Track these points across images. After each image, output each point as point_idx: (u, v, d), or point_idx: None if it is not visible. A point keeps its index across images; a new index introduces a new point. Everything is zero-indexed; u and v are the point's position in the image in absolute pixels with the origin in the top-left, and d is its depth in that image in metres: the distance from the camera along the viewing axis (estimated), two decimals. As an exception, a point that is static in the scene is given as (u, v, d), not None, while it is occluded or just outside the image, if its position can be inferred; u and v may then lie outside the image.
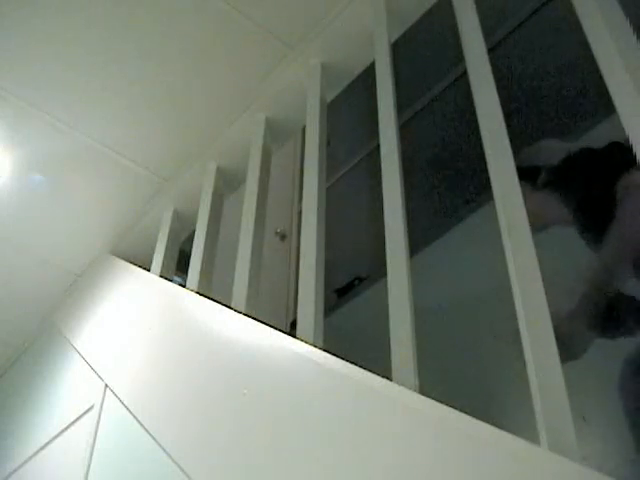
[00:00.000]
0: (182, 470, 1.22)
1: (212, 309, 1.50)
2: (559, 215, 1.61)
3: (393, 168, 1.23)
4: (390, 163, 1.25)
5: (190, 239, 1.91)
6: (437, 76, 2.35)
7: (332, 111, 1.73)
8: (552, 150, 1.70)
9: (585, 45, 1.07)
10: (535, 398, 0.83)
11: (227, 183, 2.03)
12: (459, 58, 1.35)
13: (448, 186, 2.15)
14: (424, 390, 0.94)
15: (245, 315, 1.40)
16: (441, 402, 0.86)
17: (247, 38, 1.75)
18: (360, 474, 0.89)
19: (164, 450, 1.32)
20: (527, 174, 1.30)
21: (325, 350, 1.12)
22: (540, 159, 1.68)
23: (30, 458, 2.12)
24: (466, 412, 0.82)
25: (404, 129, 1.45)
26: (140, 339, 1.75)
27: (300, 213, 2.06)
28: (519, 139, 1.33)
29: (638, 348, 1.34)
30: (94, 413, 1.76)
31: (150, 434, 1.41)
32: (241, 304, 1.45)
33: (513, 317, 0.93)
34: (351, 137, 2.62)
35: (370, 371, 0.98)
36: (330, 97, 1.79)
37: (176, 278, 2.09)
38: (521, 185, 1.01)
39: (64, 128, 1.98)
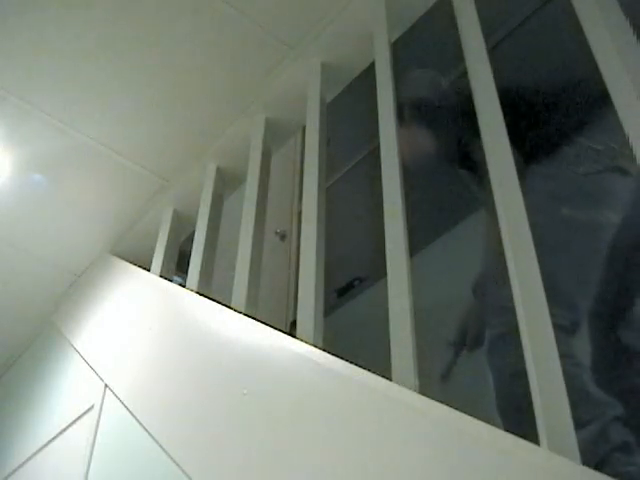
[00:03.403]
0: (182, 470, 1.22)
1: (212, 309, 1.50)
2: (427, 148, 1.64)
3: (393, 168, 1.24)
4: (390, 163, 1.25)
5: (190, 239, 1.91)
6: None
7: (332, 111, 1.73)
8: (423, 81, 1.70)
9: (585, 45, 1.07)
10: (535, 398, 0.83)
11: (227, 183, 2.03)
12: (459, 58, 1.35)
13: (448, 186, 2.14)
14: (424, 390, 0.94)
15: (245, 315, 1.40)
16: (441, 402, 0.86)
17: (247, 38, 1.75)
18: (360, 474, 0.89)
19: (164, 450, 1.32)
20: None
21: (325, 350, 1.12)
22: (410, 90, 1.69)
23: (30, 458, 2.12)
24: (466, 412, 0.82)
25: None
26: (140, 339, 1.75)
27: (300, 213, 2.06)
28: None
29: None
30: (94, 413, 1.76)
31: (150, 434, 1.41)
32: (241, 304, 1.45)
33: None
34: (351, 137, 2.61)
35: (370, 371, 0.98)
36: (330, 97, 1.79)
37: (176, 278, 2.09)
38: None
39: (64, 128, 1.98)
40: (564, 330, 1.23)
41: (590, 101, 1.49)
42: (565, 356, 1.12)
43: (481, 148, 1.14)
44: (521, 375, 0.89)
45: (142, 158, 2.09)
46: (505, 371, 1.28)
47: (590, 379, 1.22)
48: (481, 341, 1.51)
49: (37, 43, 1.78)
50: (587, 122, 1.46)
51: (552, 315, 0.89)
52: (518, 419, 1.13)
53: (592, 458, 1.07)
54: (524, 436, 0.76)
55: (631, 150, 0.90)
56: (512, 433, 0.78)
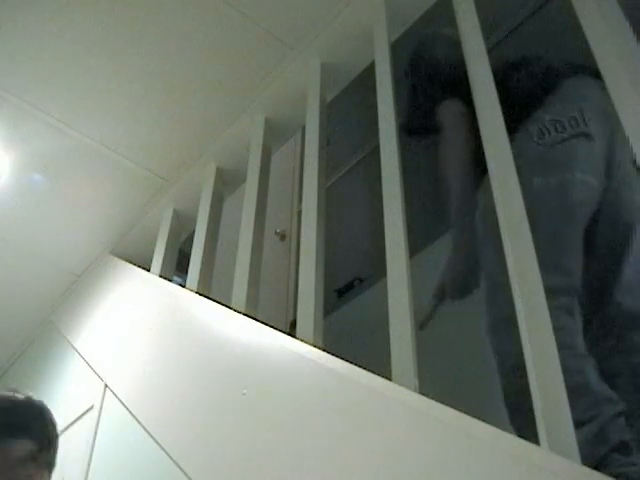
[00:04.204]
0: (182, 470, 1.22)
1: (212, 309, 1.50)
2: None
3: (393, 168, 1.24)
4: (390, 163, 1.25)
5: (190, 239, 1.91)
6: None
7: (332, 111, 1.73)
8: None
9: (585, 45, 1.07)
10: (535, 398, 0.83)
11: (227, 183, 2.03)
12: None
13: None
14: (424, 390, 0.94)
15: (245, 315, 1.40)
16: (441, 402, 0.86)
17: (247, 38, 1.75)
18: (359, 474, 0.89)
19: (164, 450, 1.32)
20: None
21: (325, 350, 1.12)
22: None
23: (30, 458, 2.11)
24: (466, 412, 0.82)
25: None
26: (140, 339, 1.75)
27: (300, 213, 2.06)
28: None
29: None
30: (94, 413, 1.77)
31: (150, 434, 1.41)
32: (241, 304, 1.45)
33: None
34: (351, 137, 2.61)
35: (370, 371, 0.98)
36: (330, 97, 1.79)
37: (176, 278, 2.09)
38: None
39: (64, 128, 1.98)
40: (565, 310, 1.22)
41: (547, 76, 1.49)
42: (566, 348, 1.12)
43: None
44: (522, 368, 0.88)
45: (142, 158, 2.09)
46: (507, 361, 1.27)
47: (591, 370, 1.20)
48: (464, 293, 1.52)
49: (37, 44, 1.78)
50: (546, 97, 1.45)
51: (553, 291, 0.88)
52: (523, 411, 1.13)
53: (590, 459, 1.07)
54: (531, 430, 0.76)
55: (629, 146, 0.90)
56: (518, 423, 0.77)
